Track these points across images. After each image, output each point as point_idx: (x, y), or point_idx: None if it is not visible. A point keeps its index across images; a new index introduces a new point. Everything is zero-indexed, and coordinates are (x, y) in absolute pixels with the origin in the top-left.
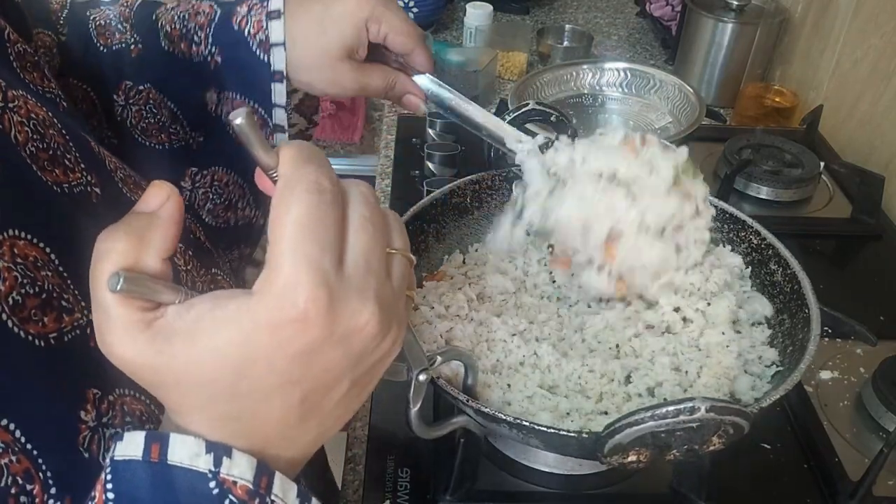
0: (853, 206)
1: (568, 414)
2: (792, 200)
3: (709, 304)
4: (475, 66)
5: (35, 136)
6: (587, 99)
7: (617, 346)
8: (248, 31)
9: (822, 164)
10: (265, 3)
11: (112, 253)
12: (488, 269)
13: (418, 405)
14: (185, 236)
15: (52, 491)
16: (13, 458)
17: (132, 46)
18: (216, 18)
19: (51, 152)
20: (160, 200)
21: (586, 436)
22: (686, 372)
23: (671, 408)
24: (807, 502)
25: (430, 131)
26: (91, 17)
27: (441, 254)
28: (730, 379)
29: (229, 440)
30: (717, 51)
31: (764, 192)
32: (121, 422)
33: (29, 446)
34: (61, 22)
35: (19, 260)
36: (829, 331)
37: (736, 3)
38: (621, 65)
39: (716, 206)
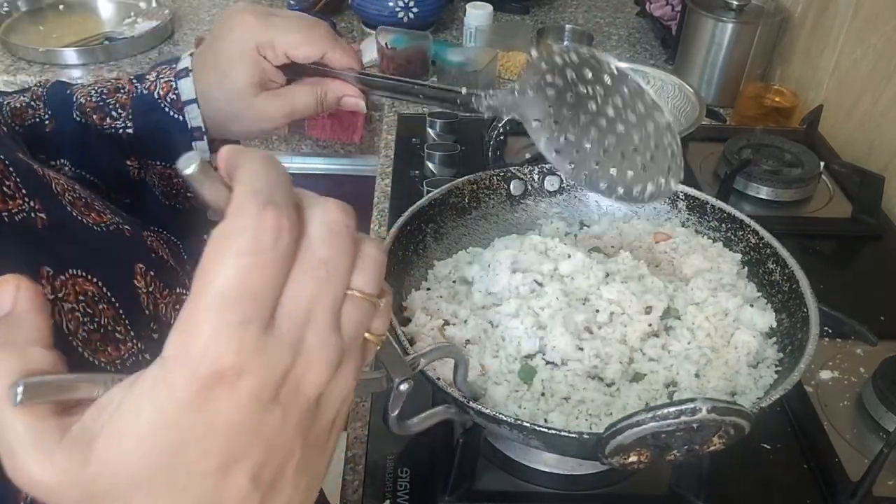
0: (853, 206)
1: (577, 417)
2: (792, 200)
3: (709, 304)
4: (475, 66)
5: None
6: None
7: (625, 340)
8: (158, 94)
9: (822, 163)
10: (173, 65)
11: None
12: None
13: (397, 411)
14: (145, 256)
15: None
16: None
17: (46, 122)
18: (138, 93)
19: None
20: (11, 296)
21: (587, 437)
22: (687, 372)
23: (672, 409)
24: (807, 502)
25: (430, 131)
26: (5, 103)
27: (439, 254)
28: (730, 379)
29: None
30: (717, 51)
31: (764, 192)
32: None
33: None
34: None
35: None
36: (829, 331)
37: (736, 3)
38: (621, 65)
39: (714, 206)
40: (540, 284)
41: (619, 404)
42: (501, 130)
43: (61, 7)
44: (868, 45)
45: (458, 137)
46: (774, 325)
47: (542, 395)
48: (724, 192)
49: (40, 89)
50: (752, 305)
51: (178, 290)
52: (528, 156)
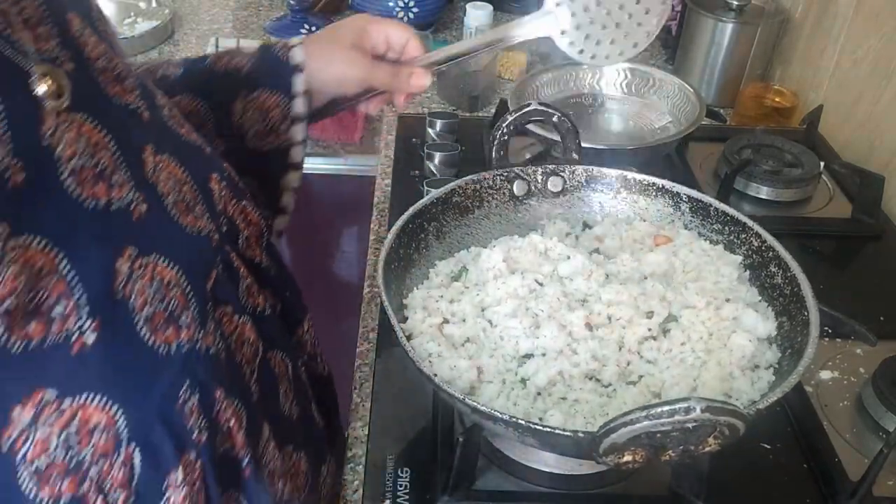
0: (853, 206)
1: (574, 414)
2: (792, 200)
3: (708, 308)
4: (475, 66)
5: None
6: (587, 99)
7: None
8: (275, 49)
9: (822, 164)
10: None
11: None
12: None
13: None
14: (222, 265)
15: None
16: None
17: (178, 75)
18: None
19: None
20: None
21: (582, 435)
22: (685, 375)
23: (666, 408)
24: (806, 502)
25: (430, 131)
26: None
27: (441, 253)
28: (727, 381)
29: None
30: (717, 51)
31: (764, 192)
32: None
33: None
34: None
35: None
36: (829, 331)
37: (736, 3)
38: (621, 64)
39: (717, 209)
40: (540, 284)
41: (616, 405)
42: (505, 130)
43: None
44: (868, 46)
45: (459, 137)
46: (774, 332)
47: (539, 394)
48: (724, 192)
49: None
50: (755, 311)
51: (242, 203)
52: (528, 155)
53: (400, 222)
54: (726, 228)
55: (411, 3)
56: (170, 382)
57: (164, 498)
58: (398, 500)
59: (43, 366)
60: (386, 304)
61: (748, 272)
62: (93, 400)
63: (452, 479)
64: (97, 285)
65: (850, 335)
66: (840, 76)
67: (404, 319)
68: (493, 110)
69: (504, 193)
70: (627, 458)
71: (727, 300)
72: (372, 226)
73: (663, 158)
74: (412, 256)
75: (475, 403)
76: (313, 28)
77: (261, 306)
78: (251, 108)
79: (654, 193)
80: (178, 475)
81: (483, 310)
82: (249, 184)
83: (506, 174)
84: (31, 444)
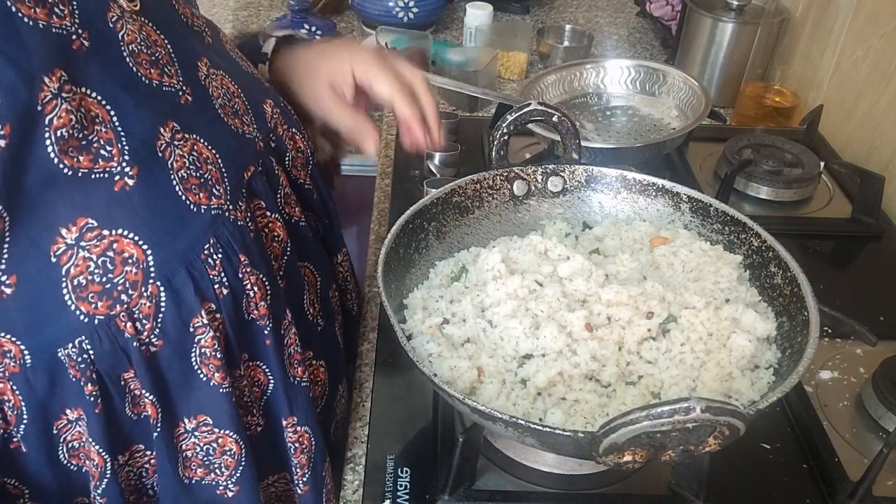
0: (853, 206)
1: (573, 415)
2: (792, 200)
3: (707, 308)
4: (475, 66)
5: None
6: (592, 98)
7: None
8: (260, 34)
9: (822, 164)
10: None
11: None
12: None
13: None
14: (258, 160)
15: None
16: None
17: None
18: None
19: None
20: None
21: (582, 435)
22: (684, 375)
23: (666, 408)
24: (806, 502)
25: None
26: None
27: (441, 253)
28: (726, 382)
29: None
30: (717, 51)
31: (764, 192)
32: None
33: None
34: None
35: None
36: (829, 331)
37: (736, 3)
38: (626, 62)
39: (717, 209)
40: (540, 285)
41: (616, 406)
42: (505, 130)
43: None
44: (868, 46)
45: (459, 137)
46: (774, 333)
47: (539, 394)
48: (724, 192)
49: None
50: (755, 311)
51: (268, 205)
52: (528, 155)
53: (400, 222)
54: (726, 228)
55: (411, 3)
56: (196, 235)
57: (195, 340)
58: (398, 500)
59: (87, 194)
60: (386, 304)
61: (748, 272)
62: (127, 235)
63: (452, 479)
64: (140, 140)
65: (850, 335)
66: (840, 76)
67: (404, 319)
68: (493, 110)
69: (504, 193)
70: (627, 458)
71: (727, 300)
72: (372, 226)
73: (664, 158)
74: (412, 256)
75: (475, 403)
76: (313, 28)
77: (296, 217)
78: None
79: (654, 193)
80: (203, 319)
81: (483, 310)
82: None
83: (506, 174)
84: (73, 261)
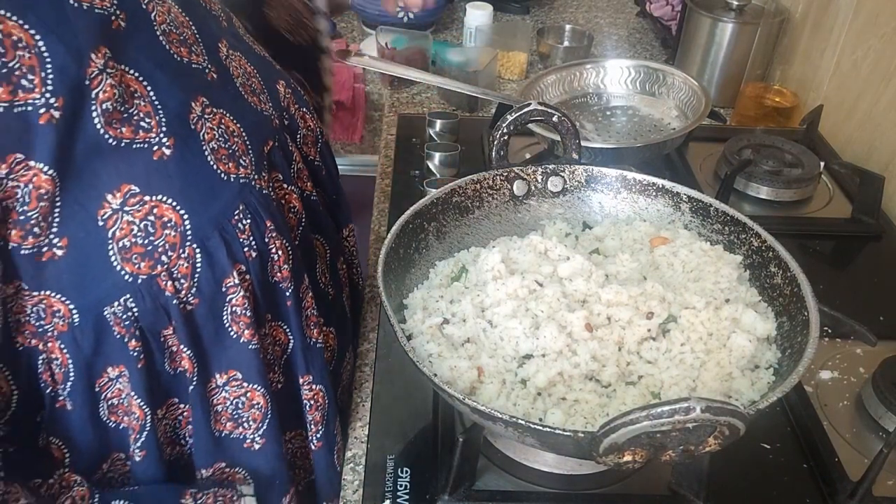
0: (853, 206)
1: (572, 415)
2: (792, 200)
3: (707, 308)
4: (475, 66)
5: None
6: (592, 98)
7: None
8: None
9: (822, 164)
10: None
11: None
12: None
13: None
14: (275, 135)
15: None
16: None
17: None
18: None
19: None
20: None
21: (582, 435)
22: (684, 375)
23: (666, 408)
24: (806, 502)
25: (429, 131)
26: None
27: (441, 253)
28: (726, 382)
29: None
30: (717, 51)
31: (764, 192)
32: None
33: None
34: None
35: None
36: (829, 331)
37: (736, 3)
38: (626, 62)
39: (717, 209)
40: (540, 285)
41: (616, 406)
42: (505, 130)
43: None
44: (868, 46)
45: (458, 137)
46: (774, 333)
47: (539, 394)
48: (724, 192)
49: None
50: (755, 311)
51: (285, 178)
52: (528, 155)
53: (400, 222)
54: (726, 228)
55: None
56: (227, 202)
57: (227, 299)
58: (398, 500)
59: (129, 163)
60: (386, 304)
61: (748, 272)
62: (166, 201)
63: (452, 479)
64: (175, 113)
65: (849, 335)
66: (840, 76)
67: (404, 319)
68: (493, 110)
69: (504, 193)
70: (627, 458)
71: (727, 300)
72: (372, 226)
73: (664, 158)
74: (412, 256)
75: (475, 403)
76: None
77: (308, 191)
78: (277, 5)
79: (654, 193)
80: (234, 279)
81: (483, 310)
82: (296, 76)
83: (506, 174)
84: (118, 225)
